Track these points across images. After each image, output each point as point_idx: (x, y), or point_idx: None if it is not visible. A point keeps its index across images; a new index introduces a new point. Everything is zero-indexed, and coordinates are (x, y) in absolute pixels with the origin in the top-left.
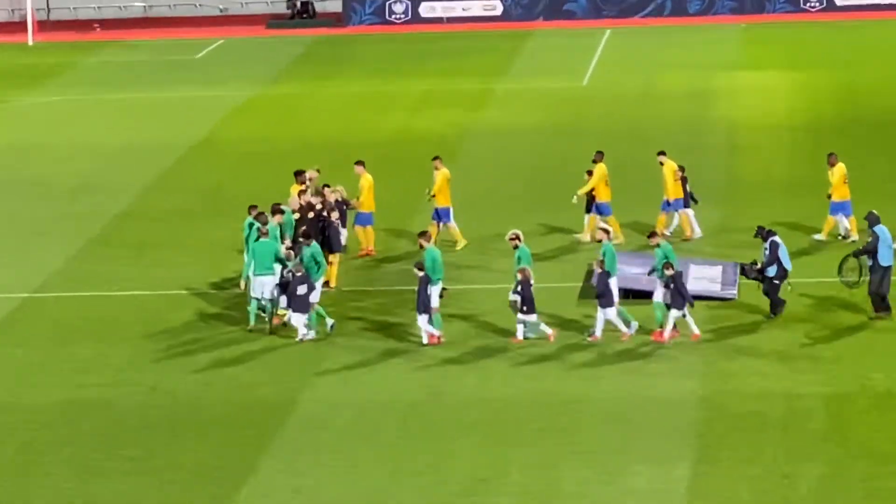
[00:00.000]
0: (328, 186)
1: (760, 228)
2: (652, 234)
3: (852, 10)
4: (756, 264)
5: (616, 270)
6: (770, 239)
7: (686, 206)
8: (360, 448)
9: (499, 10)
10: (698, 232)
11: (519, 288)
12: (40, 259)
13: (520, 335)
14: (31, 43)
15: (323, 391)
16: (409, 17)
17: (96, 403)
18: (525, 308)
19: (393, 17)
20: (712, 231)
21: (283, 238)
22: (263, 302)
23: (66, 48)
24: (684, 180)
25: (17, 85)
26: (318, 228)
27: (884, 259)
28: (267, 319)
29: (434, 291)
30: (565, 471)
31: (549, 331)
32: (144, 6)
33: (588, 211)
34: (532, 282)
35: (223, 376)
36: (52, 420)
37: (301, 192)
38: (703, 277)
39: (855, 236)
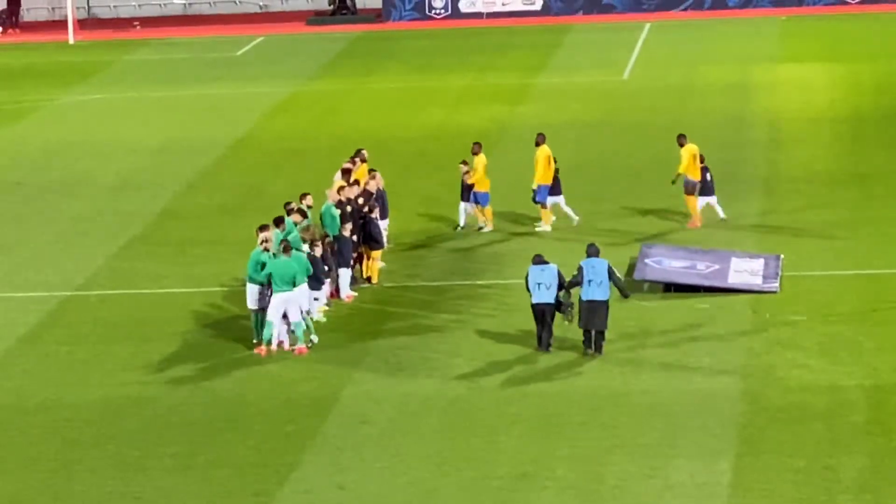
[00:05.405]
0: (375, 171)
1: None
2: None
3: (893, 1)
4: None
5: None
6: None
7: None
8: (402, 443)
9: (538, 5)
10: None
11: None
12: (83, 257)
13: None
14: (71, 41)
15: (364, 387)
16: (449, 12)
17: (139, 400)
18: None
19: (433, 12)
20: (754, 224)
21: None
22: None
23: (107, 46)
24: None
25: (57, 83)
26: (359, 224)
27: (584, 294)
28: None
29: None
30: (608, 465)
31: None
32: (184, 4)
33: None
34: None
35: (264, 373)
36: (95, 417)
37: (341, 188)
38: (744, 270)
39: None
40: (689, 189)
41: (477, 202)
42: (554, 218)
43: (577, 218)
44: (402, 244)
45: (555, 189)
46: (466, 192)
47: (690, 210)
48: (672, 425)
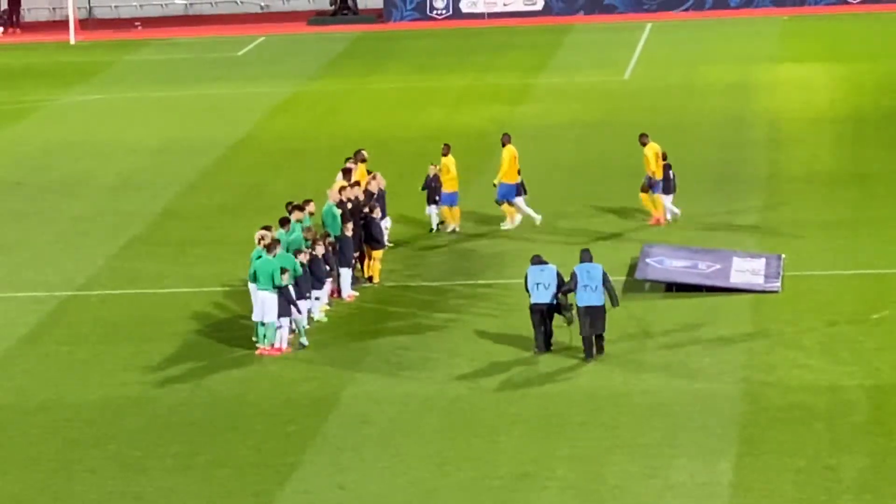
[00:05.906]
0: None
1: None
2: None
3: (893, 1)
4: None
5: None
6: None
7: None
8: (403, 443)
9: (540, 5)
10: None
11: None
12: (83, 257)
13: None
14: (73, 42)
15: (365, 387)
16: (451, 12)
17: (139, 401)
18: None
19: (434, 12)
20: (754, 224)
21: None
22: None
23: (108, 46)
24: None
25: (59, 83)
26: (360, 224)
27: (580, 300)
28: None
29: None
30: (608, 465)
31: None
32: (186, 4)
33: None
34: None
35: (264, 373)
36: (96, 417)
37: (342, 188)
38: (745, 270)
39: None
40: (647, 187)
41: (442, 202)
42: (520, 218)
43: (539, 216)
44: (402, 244)
45: (518, 189)
46: (437, 195)
47: (648, 206)
48: (672, 425)
